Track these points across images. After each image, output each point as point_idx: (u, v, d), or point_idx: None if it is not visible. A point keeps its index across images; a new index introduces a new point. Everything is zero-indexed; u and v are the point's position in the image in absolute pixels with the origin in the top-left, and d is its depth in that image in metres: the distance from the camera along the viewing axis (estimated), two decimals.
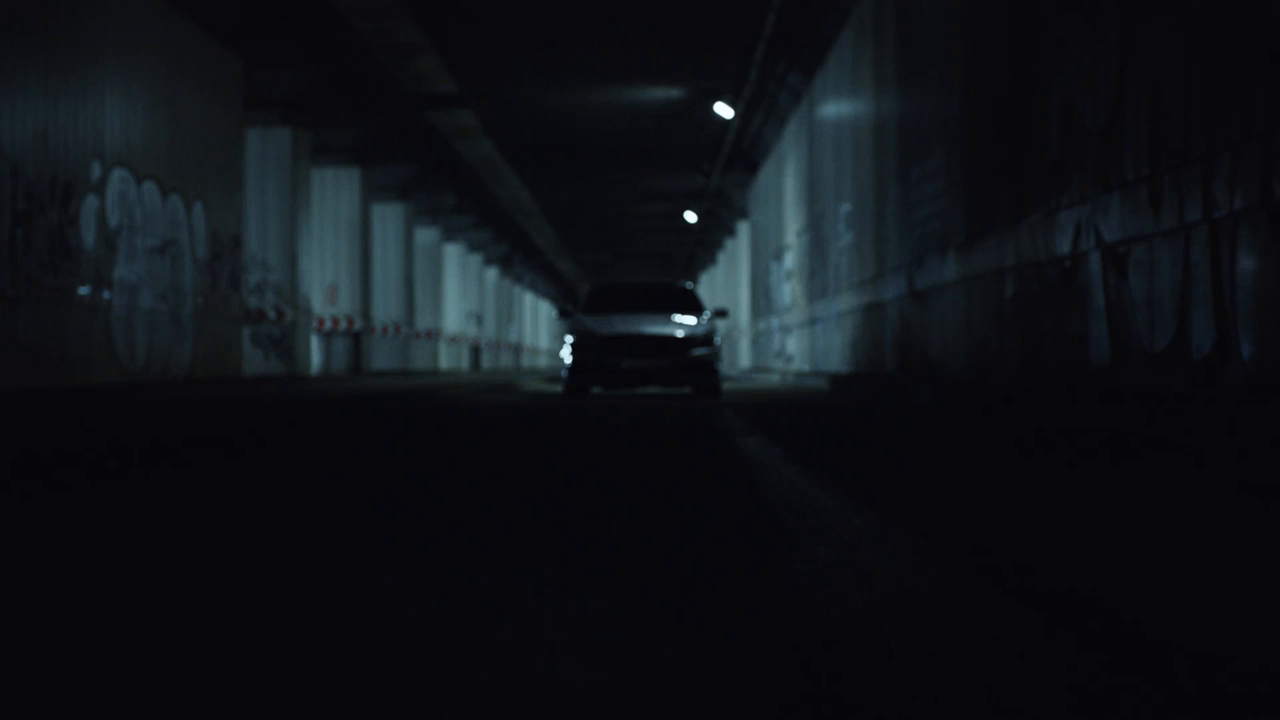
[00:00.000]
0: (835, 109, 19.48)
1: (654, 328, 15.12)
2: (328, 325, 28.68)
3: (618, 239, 50.97)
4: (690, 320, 15.46)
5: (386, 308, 33.71)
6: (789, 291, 25.64)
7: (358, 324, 28.74)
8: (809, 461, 5.90)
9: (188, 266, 17.69)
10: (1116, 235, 7.93)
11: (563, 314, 16.42)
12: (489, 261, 51.90)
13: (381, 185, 33.01)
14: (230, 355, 19.73)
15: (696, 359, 14.98)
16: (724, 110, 26.21)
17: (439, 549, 3.26)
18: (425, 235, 39.12)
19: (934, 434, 7.94)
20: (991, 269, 10.80)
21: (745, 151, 31.04)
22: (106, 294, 15.08)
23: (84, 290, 14.46)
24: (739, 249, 39.94)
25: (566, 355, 15.33)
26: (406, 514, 4.01)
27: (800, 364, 23.67)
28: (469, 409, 11.88)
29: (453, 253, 44.37)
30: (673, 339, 14.98)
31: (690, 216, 43.47)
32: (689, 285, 17.22)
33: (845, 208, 18.37)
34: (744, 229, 38.26)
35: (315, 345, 28.79)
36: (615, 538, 3.44)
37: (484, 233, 47.06)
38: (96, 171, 14.77)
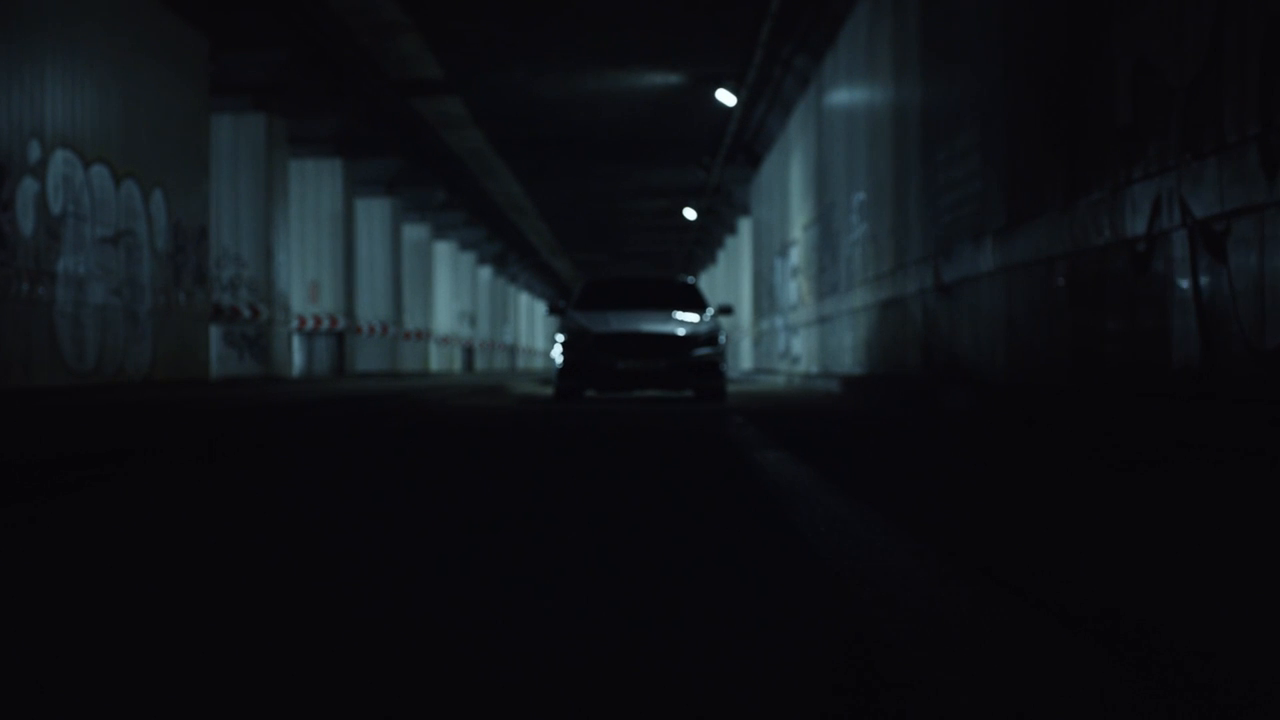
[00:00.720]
0: (847, 92, 18.13)
1: (653, 325, 13.78)
2: (309, 325, 27.30)
3: (614, 237, 49.62)
4: (692, 317, 14.12)
5: (373, 307, 32.39)
6: (795, 289, 24.28)
7: (341, 323, 27.37)
8: (851, 488, 4.53)
9: (145, 259, 16.29)
10: (1212, 209, 6.56)
11: (553, 310, 15.08)
12: (482, 260, 50.57)
13: (366, 179, 31.66)
14: (196, 355, 18.35)
15: (699, 360, 13.63)
16: (726, 98, 24.85)
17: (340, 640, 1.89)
18: (414, 232, 37.79)
19: (989, 449, 6.58)
20: (1038, 256, 9.43)
21: (748, 143, 29.68)
22: (42, 290, 13.67)
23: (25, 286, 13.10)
24: (740, 247, 38.63)
25: (557, 355, 13.99)
26: (306, 574, 2.65)
27: (807, 365, 22.32)
28: (443, 415, 10.52)
29: (443, 251, 43.05)
30: (673, 338, 13.63)
31: (690, 213, 42.14)
32: (690, 280, 15.86)
33: (859, 197, 17.02)
34: (745, 226, 36.94)
35: (297, 346, 27.46)
36: (601, 629, 2.07)
37: (476, 230, 45.73)
38: (35, 152, 13.37)
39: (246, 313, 21.86)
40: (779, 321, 26.79)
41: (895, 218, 14.72)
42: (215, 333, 21.86)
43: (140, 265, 16.17)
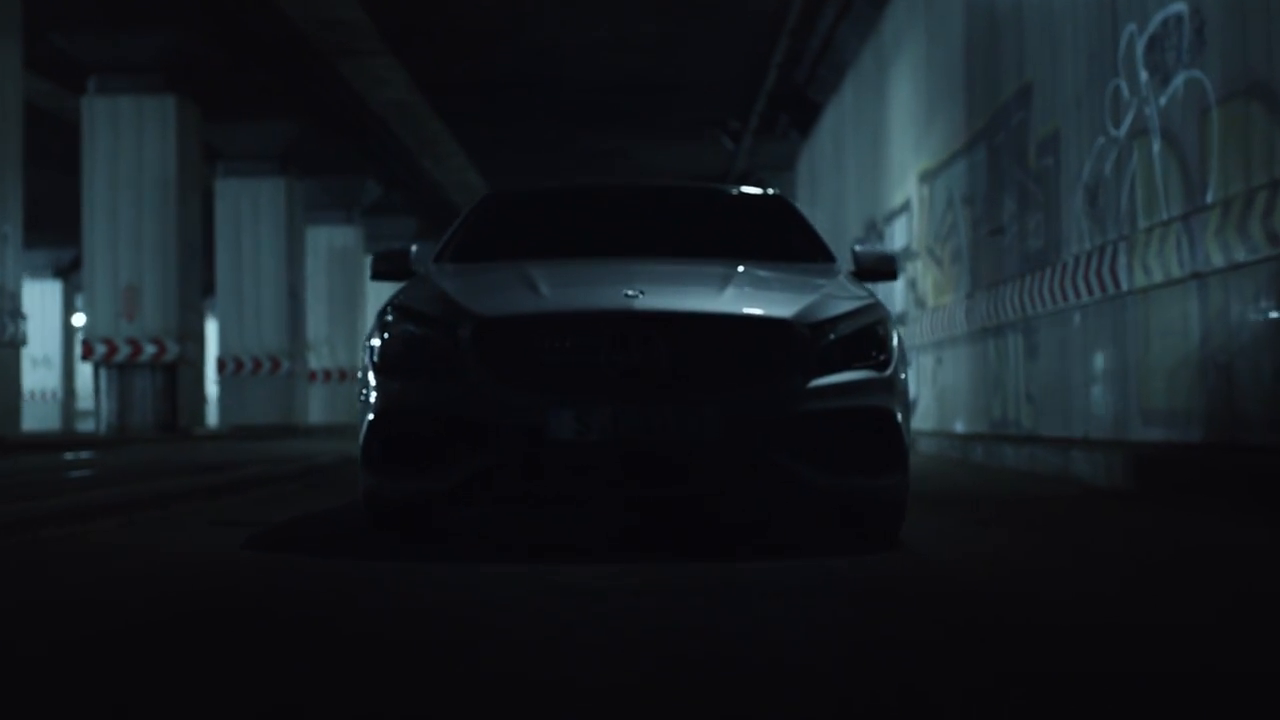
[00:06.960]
0: None
1: (675, 297, 3.98)
2: (121, 353, 17.48)
3: None
4: (799, 279, 4.36)
5: (259, 333, 22.69)
6: (901, 288, 14.48)
7: (172, 351, 17.53)
8: None
9: None
10: None
11: (381, 268, 5.19)
12: None
13: (246, 151, 22.08)
14: None
15: (834, 403, 3.84)
16: None
17: None
18: (336, 237, 28.26)
19: None
20: None
21: (799, 88, 19.97)
22: None
23: None
24: None
25: (369, 396, 4.19)
26: None
27: (939, 418, 12.47)
28: None
29: None
30: (748, 327, 3.85)
31: None
32: (772, 191, 5.84)
33: (1175, 10, 7.21)
34: None
35: (104, 385, 17.68)
36: None
37: (434, 245, 36.02)
38: None
39: None
40: None
41: None
42: None
43: None
